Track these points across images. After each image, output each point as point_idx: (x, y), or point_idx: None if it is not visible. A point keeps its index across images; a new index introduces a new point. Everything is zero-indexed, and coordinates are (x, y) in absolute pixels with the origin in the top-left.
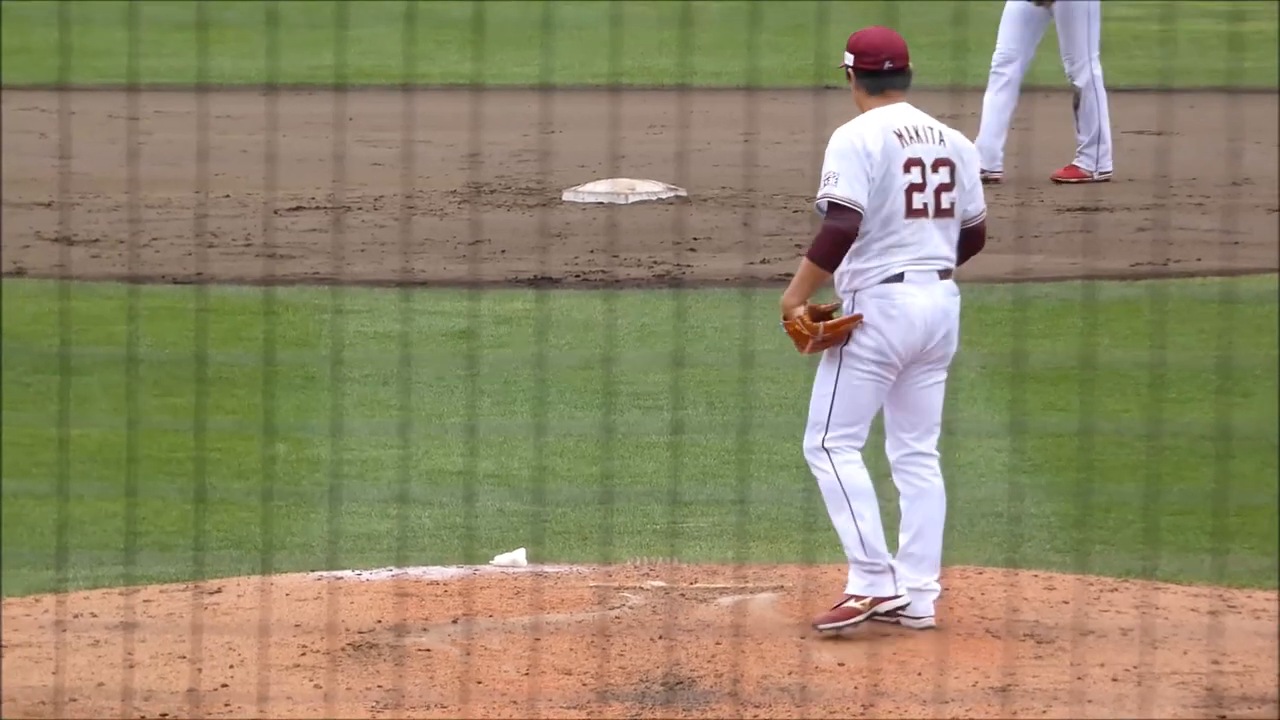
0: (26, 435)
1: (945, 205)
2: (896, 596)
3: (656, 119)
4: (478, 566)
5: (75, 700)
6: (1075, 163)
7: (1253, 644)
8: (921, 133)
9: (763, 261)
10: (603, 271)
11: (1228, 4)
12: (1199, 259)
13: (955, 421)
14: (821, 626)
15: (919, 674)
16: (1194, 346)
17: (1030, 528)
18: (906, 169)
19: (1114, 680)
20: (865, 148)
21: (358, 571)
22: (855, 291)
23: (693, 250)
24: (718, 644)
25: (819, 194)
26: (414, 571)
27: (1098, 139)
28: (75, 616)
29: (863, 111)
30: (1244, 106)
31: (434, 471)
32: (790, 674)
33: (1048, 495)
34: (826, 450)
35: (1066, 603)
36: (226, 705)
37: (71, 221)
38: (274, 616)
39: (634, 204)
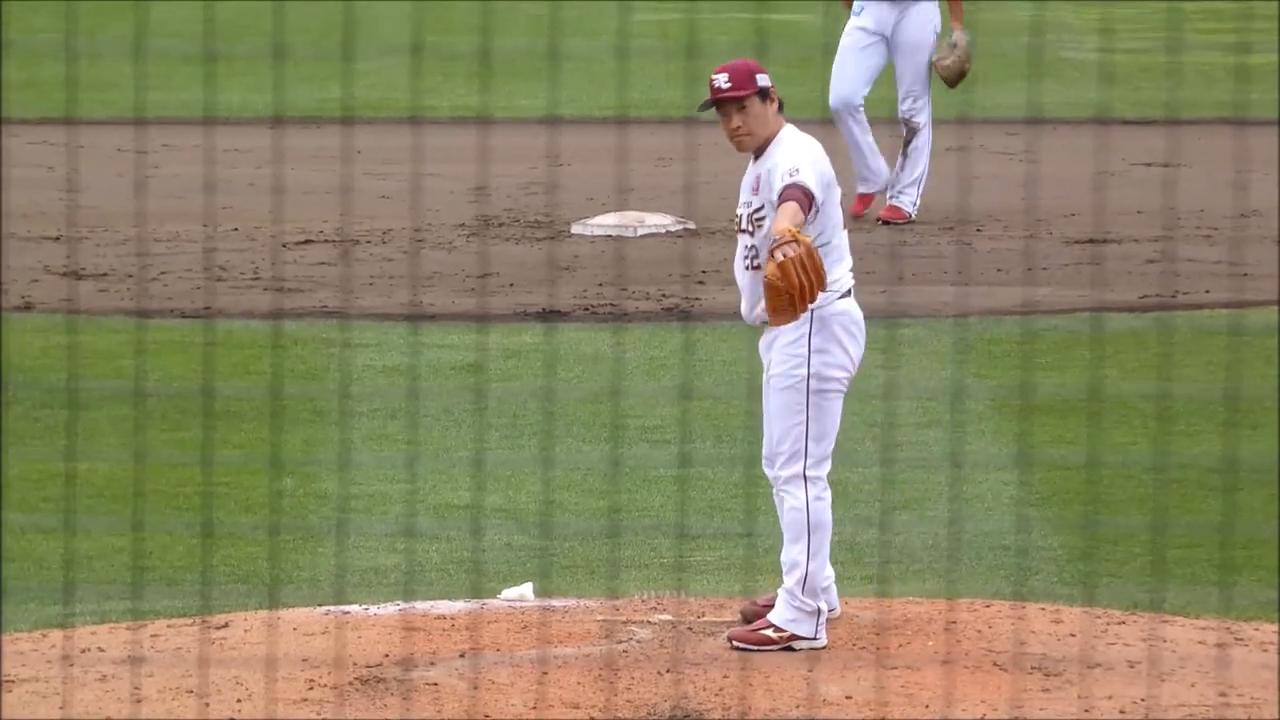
0: (34, 470)
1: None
2: (814, 639)
3: (664, 151)
4: (485, 600)
5: None
6: (896, 203)
7: (1259, 676)
8: None
9: None
10: (611, 304)
11: (1234, 35)
12: (1207, 291)
13: (962, 454)
14: (734, 642)
15: (926, 706)
16: (1202, 378)
17: (1037, 560)
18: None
19: (1121, 712)
20: (827, 167)
21: (365, 606)
22: (814, 310)
23: (701, 283)
24: (725, 677)
25: (783, 183)
26: (421, 606)
27: (920, 179)
28: (82, 651)
29: (773, 128)
30: (1251, 138)
31: (441, 506)
32: (798, 707)
33: (1055, 528)
34: (806, 479)
35: (1074, 635)
36: None
37: (80, 255)
38: (281, 651)
39: (642, 236)
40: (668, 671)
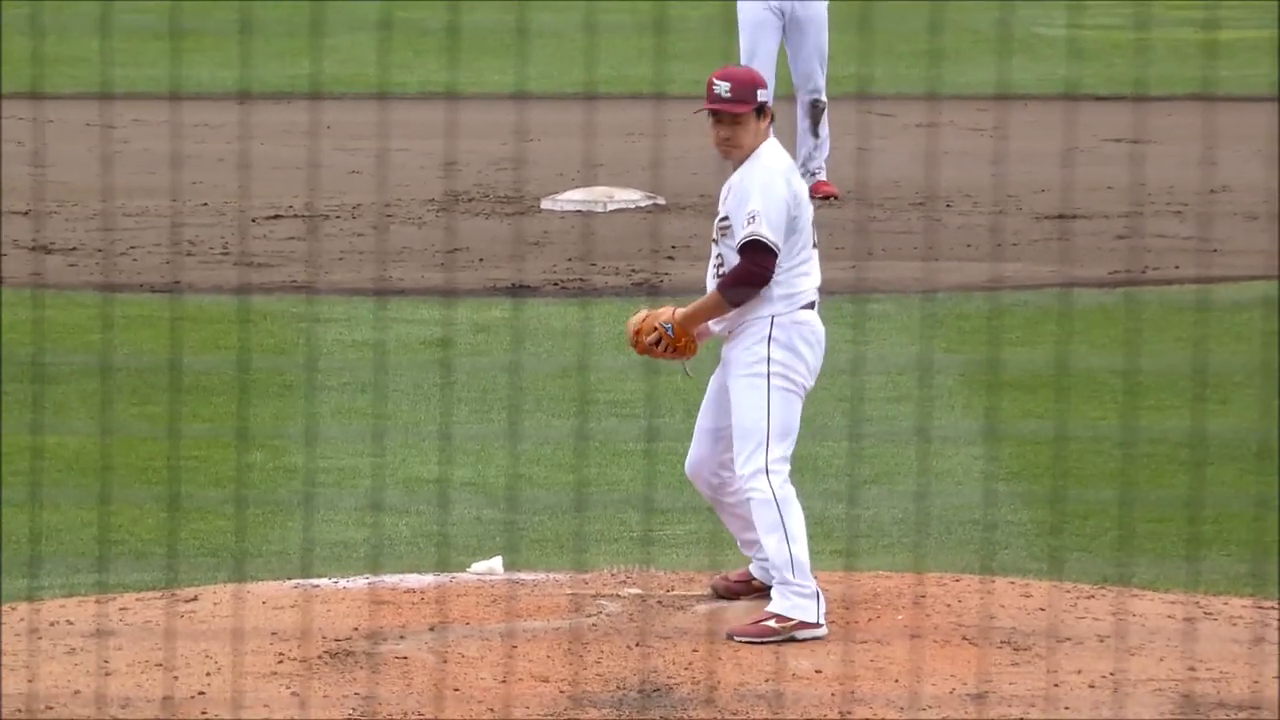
0: (1, 443)
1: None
2: (818, 625)
3: (634, 127)
4: (454, 574)
5: (51, 708)
6: (823, 178)
7: (1229, 650)
8: None
9: None
10: (580, 279)
11: (1203, 12)
12: (1176, 266)
13: (931, 429)
14: (736, 637)
15: (895, 680)
16: (1171, 353)
17: (1007, 535)
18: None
19: (1090, 687)
20: (793, 190)
21: (334, 579)
22: (774, 317)
23: (670, 258)
24: (694, 651)
25: (743, 233)
26: (390, 579)
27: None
28: (51, 624)
29: (759, 144)
30: (1220, 114)
31: (410, 479)
32: (767, 680)
33: (1024, 502)
34: (768, 472)
35: (1043, 609)
36: (203, 712)
37: (48, 230)
38: (250, 624)
39: (612, 212)
40: (637, 645)
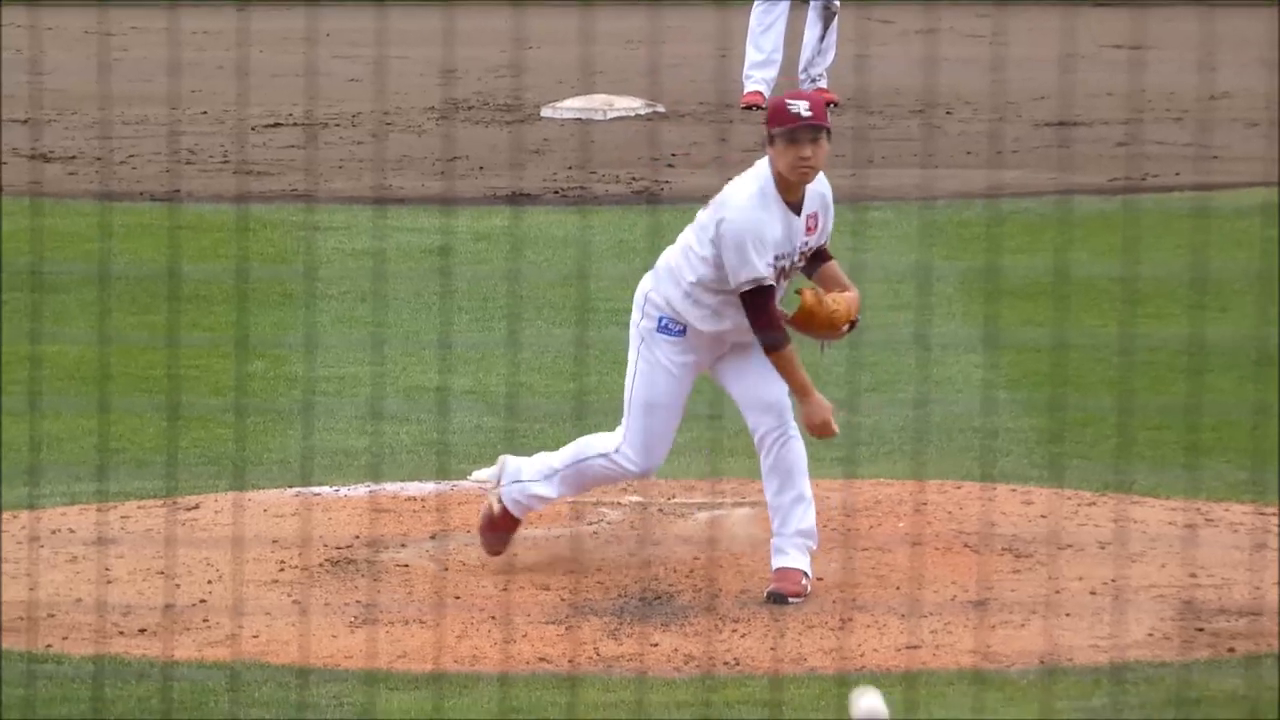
0: (1, 352)
1: None
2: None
3: (632, 34)
4: (455, 482)
5: (53, 615)
6: (823, 85)
7: (1230, 557)
8: None
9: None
10: (580, 187)
11: None
12: (1176, 173)
13: (931, 336)
14: (776, 591)
15: (896, 588)
16: (1170, 260)
17: (1007, 442)
18: None
19: (1091, 593)
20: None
21: (334, 488)
22: (677, 312)
23: (670, 166)
24: (695, 559)
25: (744, 278)
26: (391, 487)
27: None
28: (52, 532)
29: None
30: (1220, 20)
31: (411, 388)
32: (768, 588)
33: (1024, 410)
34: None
35: (1044, 516)
36: (204, 620)
37: (46, 138)
38: (251, 532)
39: (611, 120)
40: (637, 553)
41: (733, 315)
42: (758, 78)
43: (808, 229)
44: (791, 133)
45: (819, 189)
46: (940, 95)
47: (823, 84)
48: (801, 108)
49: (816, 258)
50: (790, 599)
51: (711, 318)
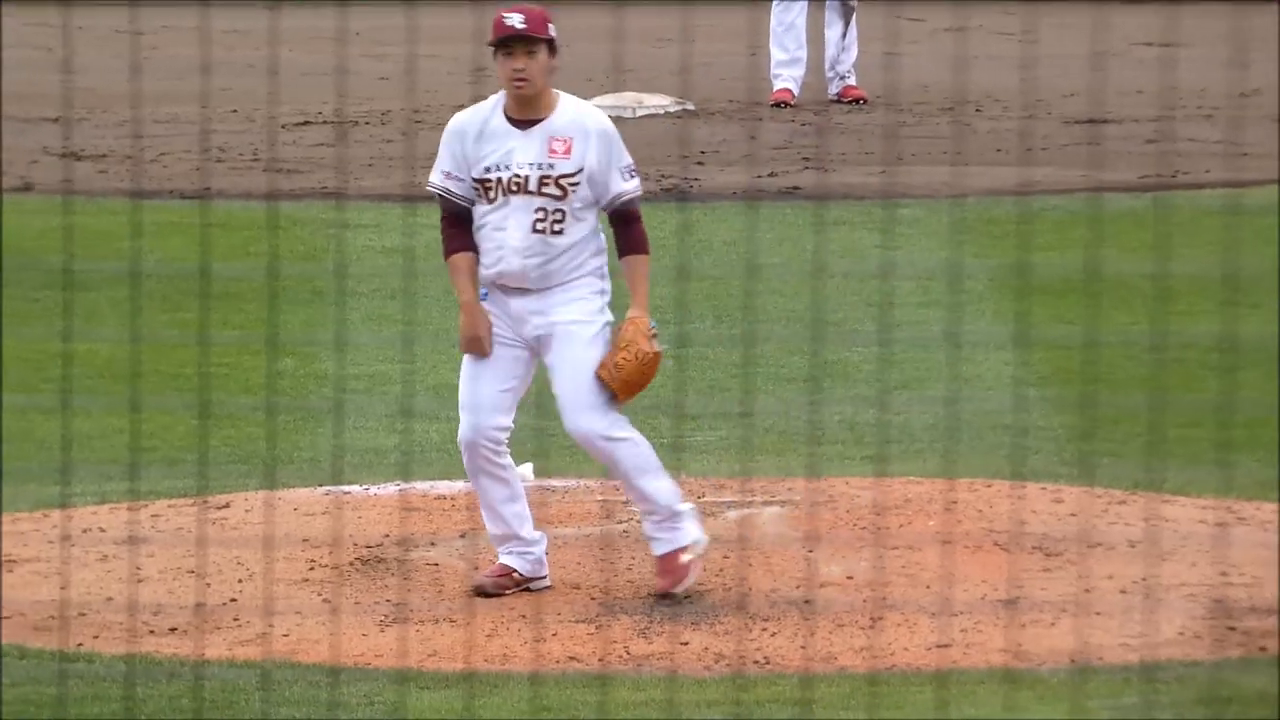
0: (33, 350)
1: None
2: (699, 540)
3: (662, 32)
4: None
5: (84, 614)
6: (852, 82)
7: (1260, 555)
8: None
9: (770, 175)
10: None
11: None
12: (1207, 170)
13: (961, 334)
14: (676, 591)
15: (926, 586)
16: (1201, 258)
17: (1038, 440)
18: None
19: (1122, 592)
20: None
21: (365, 486)
22: (603, 269)
23: (700, 164)
24: (725, 557)
25: (628, 186)
26: (421, 486)
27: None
28: (83, 531)
29: (548, 86)
30: (1252, 17)
31: (440, 386)
32: (798, 587)
33: (1055, 408)
34: (623, 422)
35: (1074, 515)
36: (235, 619)
37: (78, 137)
38: (281, 531)
39: (641, 117)
40: None
41: (490, 255)
42: (785, 75)
43: (551, 150)
44: (503, 43)
45: (582, 119)
46: (970, 93)
47: (851, 80)
48: (516, 20)
49: (623, 225)
50: (674, 590)
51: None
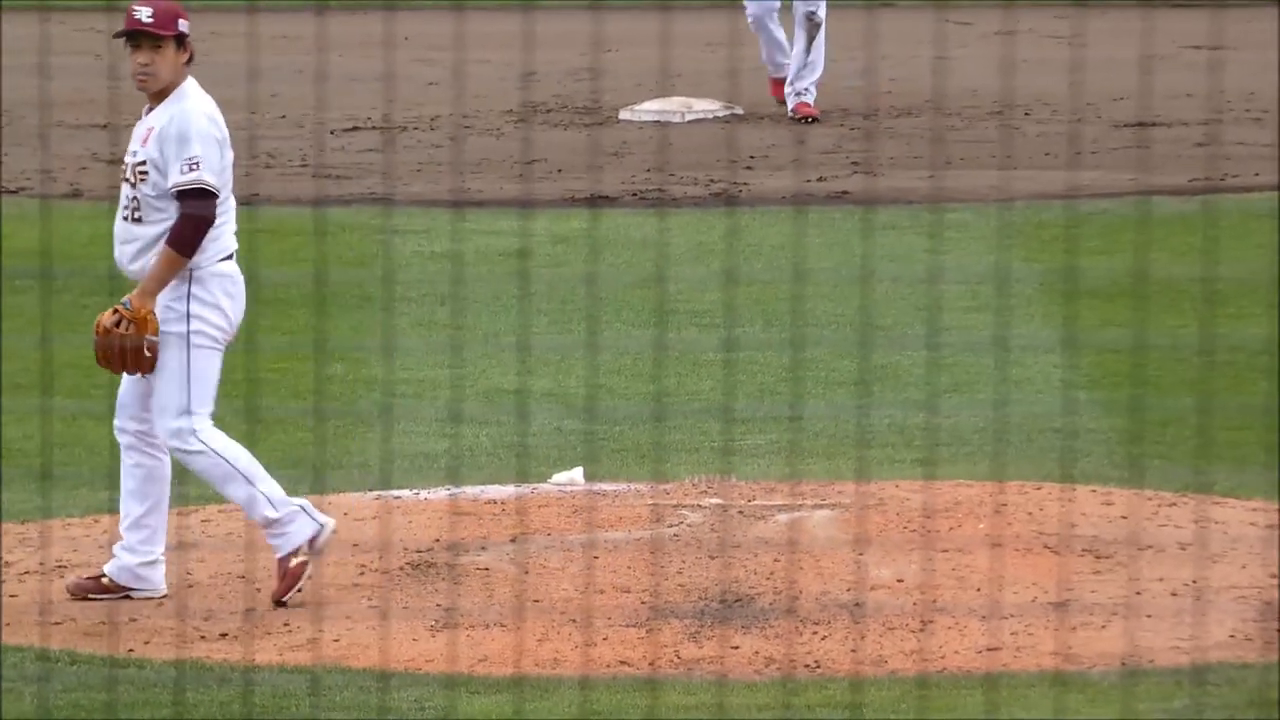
0: (84, 356)
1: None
2: (322, 526)
3: (711, 36)
4: (535, 485)
5: (134, 620)
6: (807, 100)
7: None
8: None
9: (819, 179)
10: (658, 190)
11: None
12: (1256, 173)
13: (1010, 338)
14: (284, 600)
15: (976, 589)
16: (1250, 261)
17: (1087, 443)
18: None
19: (1172, 595)
20: (225, 134)
21: (414, 491)
22: (193, 270)
23: (749, 168)
24: (775, 561)
25: (184, 179)
26: (471, 490)
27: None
28: None
29: (178, 78)
30: None
31: (490, 390)
32: (848, 590)
33: (1104, 410)
34: (195, 432)
35: (1124, 517)
36: (285, 624)
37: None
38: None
39: (689, 122)
40: (718, 555)
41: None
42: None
43: (143, 139)
44: (127, 36)
45: (176, 113)
46: (1018, 97)
47: (808, 99)
48: (144, 14)
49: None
50: (286, 597)
51: None
